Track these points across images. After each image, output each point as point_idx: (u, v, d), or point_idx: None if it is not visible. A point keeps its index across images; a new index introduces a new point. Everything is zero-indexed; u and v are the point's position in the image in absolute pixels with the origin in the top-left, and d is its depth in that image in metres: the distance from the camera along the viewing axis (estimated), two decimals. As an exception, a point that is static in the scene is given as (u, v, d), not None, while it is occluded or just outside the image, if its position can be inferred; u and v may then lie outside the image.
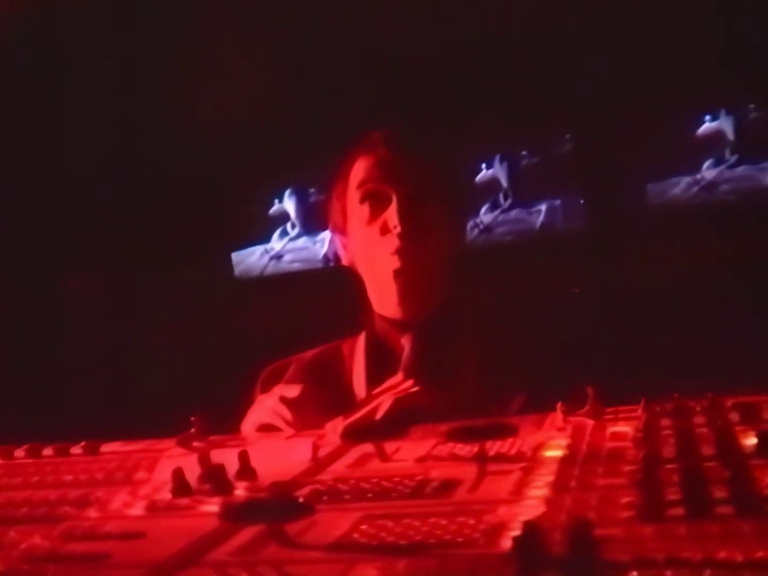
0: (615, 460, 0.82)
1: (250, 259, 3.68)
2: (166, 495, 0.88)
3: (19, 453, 1.15)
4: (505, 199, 3.28)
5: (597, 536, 0.60)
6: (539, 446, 0.91)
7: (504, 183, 3.28)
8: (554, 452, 0.88)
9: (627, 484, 0.73)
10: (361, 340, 1.56)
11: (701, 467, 0.74)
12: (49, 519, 0.84)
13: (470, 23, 2.94)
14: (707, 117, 3.02)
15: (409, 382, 1.26)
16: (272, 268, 3.65)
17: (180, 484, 0.87)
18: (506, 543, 0.62)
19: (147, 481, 0.96)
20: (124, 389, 3.13)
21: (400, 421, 1.11)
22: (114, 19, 3.12)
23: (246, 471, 0.91)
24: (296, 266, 3.60)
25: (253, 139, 3.20)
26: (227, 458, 0.92)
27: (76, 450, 1.15)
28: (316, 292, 3.17)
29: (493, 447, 0.92)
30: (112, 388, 3.13)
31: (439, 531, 0.68)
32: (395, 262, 1.46)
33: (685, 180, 3.03)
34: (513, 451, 0.91)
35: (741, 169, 2.96)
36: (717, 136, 3.00)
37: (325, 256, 3.54)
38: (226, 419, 1.34)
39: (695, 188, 3.02)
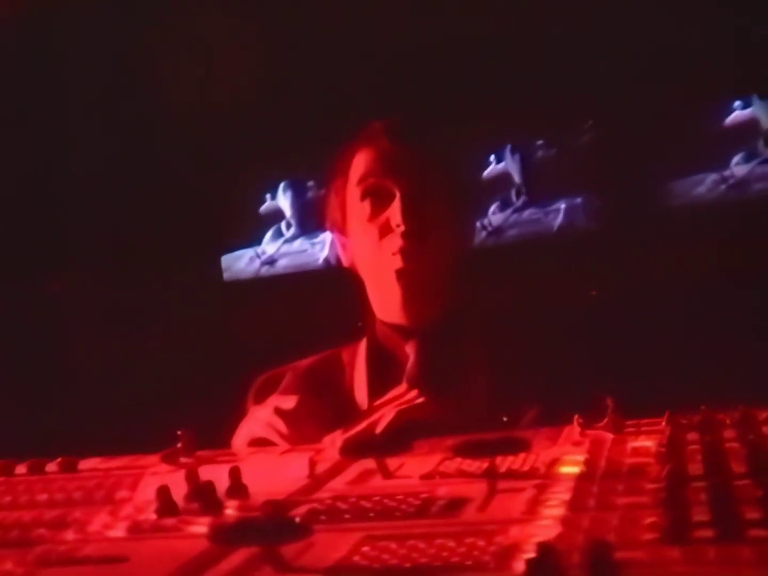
0: (637, 477, 0.81)
1: (238, 264, 3.47)
2: (150, 515, 0.88)
3: (-11, 471, 1.15)
4: (518, 196, 3.13)
5: (617, 560, 0.60)
6: (554, 462, 0.91)
7: (516, 178, 3.13)
8: (570, 468, 0.88)
9: (650, 503, 0.73)
10: (362, 348, 1.56)
11: (731, 485, 0.74)
12: (22, 543, 0.84)
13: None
14: (737, 104, 2.87)
15: (414, 393, 1.26)
16: (264, 274, 3.44)
17: (165, 504, 0.87)
18: (519, 566, 0.62)
19: (129, 501, 0.96)
20: (105, 400, 3.11)
21: (403, 435, 1.11)
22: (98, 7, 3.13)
23: (237, 489, 0.91)
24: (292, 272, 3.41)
25: (242, 124, 3.12)
26: (217, 475, 0.91)
27: (51, 467, 1.15)
28: (312, 295, 3.13)
29: (504, 463, 0.92)
30: (90, 399, 3.12)
31: (446, 553, 0.68)
32: (398, 263, 1.46)
33: (711, 177, 2.91)
34: (526, 467, 0.91)
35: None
36: (749, 125, 2.87)
37: (326, 260, 3.34)
38: (215, 433, 1.34)
39: (722, 186, 2.91)
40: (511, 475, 0.89)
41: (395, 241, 1.46)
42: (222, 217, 3.42)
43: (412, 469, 0.96)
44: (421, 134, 1.59)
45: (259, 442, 1.33)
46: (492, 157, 3.13)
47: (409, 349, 1.47)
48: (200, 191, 3.30)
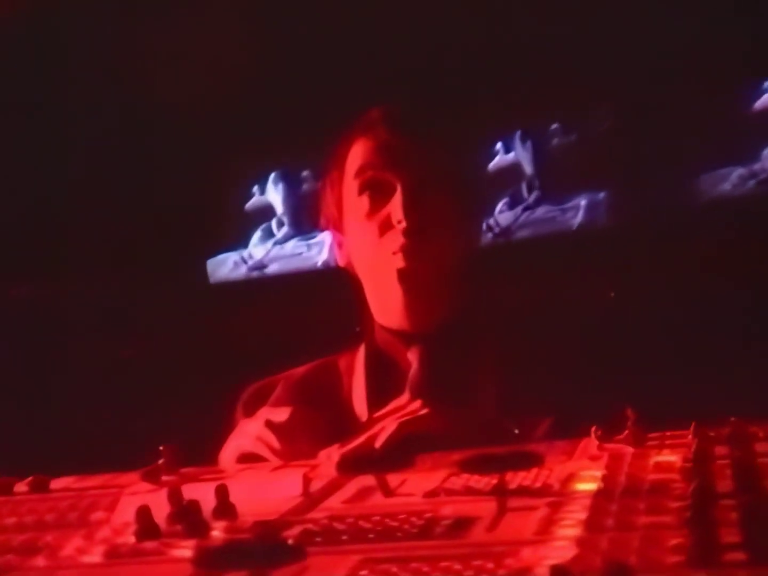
0: (660, 494, 0.81)
1: (221, 271, 3.29)
2: (129, 538, 0.88)
3: (-47, 491, 1.15)
4: (530, 191, 2.94)
5: (639, 584, 0.60)
6: (569, 478, 0.91)
7: (528, 170, 2.94)
8: (587, 485, 0.88)
9: (674, 523, 0.73)
10: (360, 355, 1.57)
11: (764, 504, 0.74)
12: (-11, 569, 0.84)
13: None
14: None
15: (417, 404, 1.26)
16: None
17: (146, 526, 0.87)
18: (532, 592, 0.62)
19: (106, 523, 0.96)
20: (79, 413, 3.10)
21: (405, 449, 1.11)
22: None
23: (225, 509, 0.91)
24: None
25: (227, 106, 2.98)
26: (202, 494, 0.91)
27: (20, 487, 1.15)
28: (305, 297, 3.09)
29: (515, 479, 0.92)
30: (63, 412, 3.11)
31: (453, 577, 0.67)
32: (399, 263, 1.46)
33: (738, 172, 2.77)
34: (538, 484, 0.91)
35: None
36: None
37: (325, 265, 3.11)
38: (200, 448, 1.34)
39: (751, 182, 2.76)
40: (523, 492, 0.89)
41: (396, 239, 1.46)
42: (202, 215, 3.19)
43: (415, 486, 0.96)
44: (423, 121, 1.59)
45: (248, 458, 1.33)
46: (499, 146, 2.89)
47: (412, 356, 1.48)
48: (179, 184, 3.16)
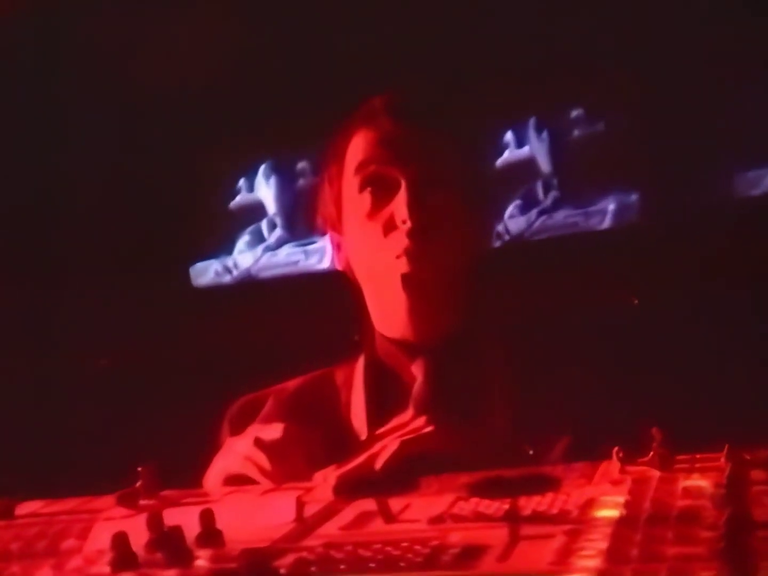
0: (689, 522, 0.82)
1: (201, 281, 3.14)
2: (103, 568, 0.88)
3: None
4: (546, 192, 2.76)
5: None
6: (589, 503, 0.92)
7: (544, 166, 2.76)
8: (608, 511, 0.88)
9: (705, 554, 0.73)
10: (359, 367, 1.57)
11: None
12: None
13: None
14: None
15: (421, 421, 1.27)
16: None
17: (122, 554, 0.87)
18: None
19: (78, 552, 0.96)
20: (48, 430, 3.10)
21: (409, 471, 1.11)
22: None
23: (210, 535, 0.91)
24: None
25: (211, 90, 2.90)
26: (185, 519, 0.91)
27: (-18, 513, 1.15)
28: (299, 303, 3.05)
29: (529, 504, 0.92)
30: (31, 429, 3.10)
31: (461, 612, 0.68)
32: (404, 267, 1.46)
33: None
34: (554, 510, 0.91)
35: None
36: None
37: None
38: (183, 469, 1.34)
39: None
40: (537, 518, 0.89)
41: (400, 241, 1.46)
42: (178, 215, 3.03)
43: (420, 511, 0.96)
44: (430, 110, 1.59)
45: (236, 480, 1.33)
46: (509, 137, 2.67)
47: (416, 369, 1.48)
48: (155, 179, 3.06)
